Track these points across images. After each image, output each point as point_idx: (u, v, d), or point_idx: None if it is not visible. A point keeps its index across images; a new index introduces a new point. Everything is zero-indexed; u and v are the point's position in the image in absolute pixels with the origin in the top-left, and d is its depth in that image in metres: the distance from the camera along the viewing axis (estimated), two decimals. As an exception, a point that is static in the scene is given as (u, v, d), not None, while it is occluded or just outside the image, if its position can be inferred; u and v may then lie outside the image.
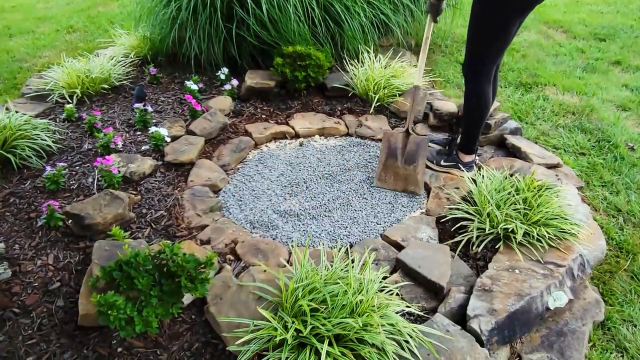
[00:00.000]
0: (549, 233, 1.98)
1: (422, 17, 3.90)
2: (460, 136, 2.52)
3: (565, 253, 1.95)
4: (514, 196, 2.12)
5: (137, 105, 2.91)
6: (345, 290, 1.60)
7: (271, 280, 1.75)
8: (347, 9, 3.35)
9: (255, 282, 1.76)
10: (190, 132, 2.80)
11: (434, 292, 1.85)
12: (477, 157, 2.56)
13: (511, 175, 2.31)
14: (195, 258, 1.55)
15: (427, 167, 2.56)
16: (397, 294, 1.81)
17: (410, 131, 2.51)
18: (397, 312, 1.67)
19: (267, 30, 3.20)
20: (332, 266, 1.79)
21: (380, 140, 2.89)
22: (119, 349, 1.62)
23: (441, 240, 2.13)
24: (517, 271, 1.87)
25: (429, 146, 2.65)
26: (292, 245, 2.08)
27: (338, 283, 1.63)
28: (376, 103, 3.13)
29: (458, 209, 2.19)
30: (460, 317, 1.73)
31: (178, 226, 2.15)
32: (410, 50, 3.99)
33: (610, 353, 1.77)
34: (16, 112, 2.73)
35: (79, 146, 2.67)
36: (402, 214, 2.32)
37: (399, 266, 1.95)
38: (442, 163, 2.48)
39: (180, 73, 3.54)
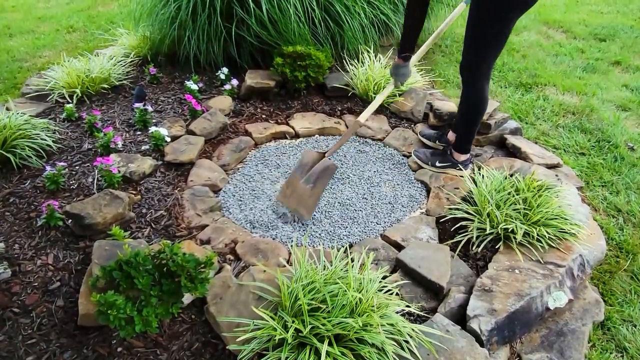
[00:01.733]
0: (548, 233, 1.98)
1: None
2: (457, 137, 2.51)
3: (565, 253, 1.95)
4: (513, 196, 2.12)
5: (137, 105, 2.91)
6: (345, 290, 1.60)
7: (271, 280, 1.75)
8: (348, 9, 3.35)
9: (255, 282, 1.76)
10: (190, 132, 2.80)
11: (434, 292, 1.85)
12: (472, 155, 2.55)
13: (511, 176, 2.31)
14: (195, 258, 1.55)
15: (421, 167, 2.57)
16: (397, 294, 1.81)
17: (327, 155, 2.51)
18: (397, 312, 1.67)
19: (267, 30, 3.20)
20: (331, 266, 1.79)
21: (380, 140, 2.90)
22: (119, 349, 1.62)
23: (441, 241, 2.13)
24: (517, 271, 1.87)
25: (423, 147, 2.64)
26: (291, 245, 2.08)
27: (338, 283, 1.63)
28: (376, 103, 3.13)
29: (458, 209, 2.19)
30: (460, 317, 1.73)
31: (178, 226, 2.15)
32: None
33: (610, 353, 1.77)
34: (16, 111, 2.73)
35: (79, 146, 2.66)
36: (402, 214, 2.32)
37: (399, 266, 1.95)
38: (438, 164, 2.47)
39: (180, 73, 3.53)
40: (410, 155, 2.72)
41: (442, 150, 2.56)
